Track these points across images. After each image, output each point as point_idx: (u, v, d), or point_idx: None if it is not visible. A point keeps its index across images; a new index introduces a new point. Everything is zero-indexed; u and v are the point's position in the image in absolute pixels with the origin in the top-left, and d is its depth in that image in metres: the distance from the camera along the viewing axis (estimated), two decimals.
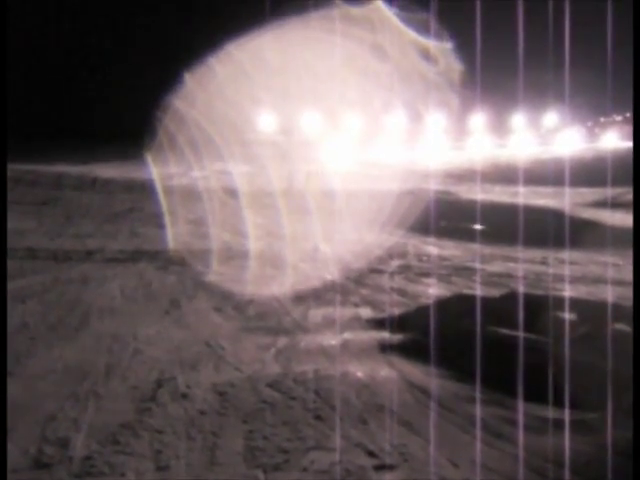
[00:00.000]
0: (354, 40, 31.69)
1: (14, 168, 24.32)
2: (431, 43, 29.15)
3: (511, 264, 12.31)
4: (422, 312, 8.61)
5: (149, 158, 24.92)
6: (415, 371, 6.78)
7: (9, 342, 7.33)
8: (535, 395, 5.91)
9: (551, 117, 43.74)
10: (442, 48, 28.82)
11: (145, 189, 20.00)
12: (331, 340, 7.76)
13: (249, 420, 5.61)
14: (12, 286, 9.72)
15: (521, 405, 5.84)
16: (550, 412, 5.72)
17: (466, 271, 11.60)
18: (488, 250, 13.55)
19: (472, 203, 19.03)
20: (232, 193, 20.18)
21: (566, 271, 11.61)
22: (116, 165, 26.56)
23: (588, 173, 23.62)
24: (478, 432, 5.45)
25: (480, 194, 21.59)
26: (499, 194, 22.68)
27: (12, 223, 14.81)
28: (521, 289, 9.86)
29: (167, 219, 15.71)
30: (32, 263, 11.39)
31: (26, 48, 36.23)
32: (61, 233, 14.31)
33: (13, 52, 34.92)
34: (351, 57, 31.26)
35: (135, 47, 38.89)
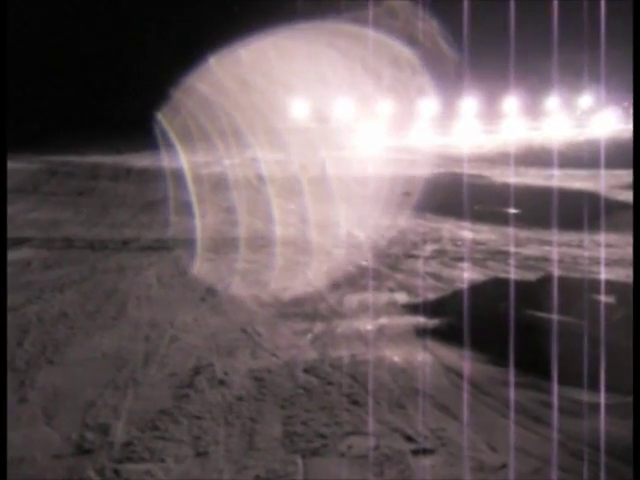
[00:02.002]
0: (385, 28, 31.59)
1: (50, 160, 24.72)
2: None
3: (547, 247, 12.19)
4: (458, 296, 8.58)
5: (181, 147, 25.07)
6: (451, 355, 6.76)
7: (49, 331, 7.48)
8: (573, 379, 5.87)
9: (586, 98, 43.18)
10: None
11: (178, 178, 20.10)
12: (367, 325, 7.76)
13: (287, 405, 5.64)
14: (50, 276, 9.88)
15: (559, 389, 5.80)
16: (588, 396, 5.68)
17: (501, 255, 11.51)
18: (523, 234, 13.42)
19: (506, 186, 18.85)
20: (264, 180, 20.24)
21: (603, 254, 11.46)
22: (149, 155, 26.72)
23: (624, 155, 23.22)
24: (516, 416, 5.42)
25: (514, 177, 21.38)
26: (534, 177, 22.44)
27: (49, 214, 15.10)
28: (557, 272, 9.76)
29: (200, 207, 15.79)
30: (69, 253, 11.52)
31: (54, 38, 36.47)
32: (97, 223, 14.45)
33: (41, 44, 35.29)
34: (382, 45, 31.17)
35: (165, 35, 39.07)
